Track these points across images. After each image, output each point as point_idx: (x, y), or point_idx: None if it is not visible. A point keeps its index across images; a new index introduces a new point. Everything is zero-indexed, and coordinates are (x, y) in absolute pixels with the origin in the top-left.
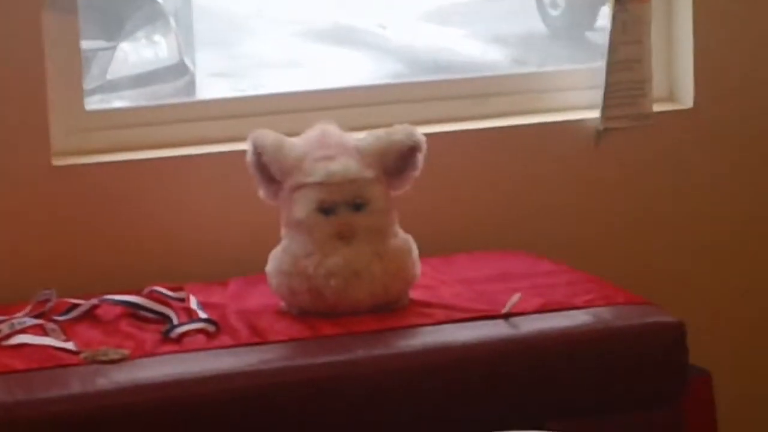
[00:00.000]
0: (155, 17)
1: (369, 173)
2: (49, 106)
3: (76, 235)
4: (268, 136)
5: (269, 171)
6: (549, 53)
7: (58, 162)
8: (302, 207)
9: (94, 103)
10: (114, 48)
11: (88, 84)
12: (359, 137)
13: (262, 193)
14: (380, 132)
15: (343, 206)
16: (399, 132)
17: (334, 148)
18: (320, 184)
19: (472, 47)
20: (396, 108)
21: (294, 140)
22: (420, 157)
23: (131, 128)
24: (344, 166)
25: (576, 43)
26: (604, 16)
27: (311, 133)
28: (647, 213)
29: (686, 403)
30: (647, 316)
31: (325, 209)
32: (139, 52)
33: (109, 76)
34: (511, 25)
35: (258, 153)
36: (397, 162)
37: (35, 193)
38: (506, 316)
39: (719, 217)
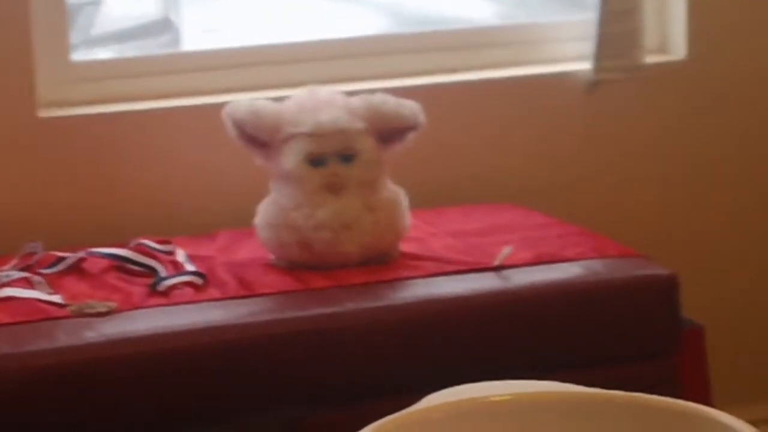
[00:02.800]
0: None
1: (359, 125)
2: (35, 58)
3: (62, 187)
4: (239, 107)
5: (257, 138)
6: (538, 10)
7: (43, 113)
8: (291, 158)
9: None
10: (99, 3)
11: (73, 39)
12: (364, 93)
13: (259, 161)
14: (389, 98)
15: (332, 158)
16: (407, 107)
17: (323, 101)
18: (309, 135)
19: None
20: (385, 60)
21: (269, 103)
22: (412, 137)
23: (117, 79)
24: (333, 116)
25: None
26: None
27: (300, 93)
28: (639, 165)
29: (679, 356)
30: (640, 268)
31: (314, 161)
32: (123, 7)
33: (93, 32)
34: None
35: (239, 126)
36: (390, 131)
37: (20, 144)
38: (497, 269)
39: (711, 169)
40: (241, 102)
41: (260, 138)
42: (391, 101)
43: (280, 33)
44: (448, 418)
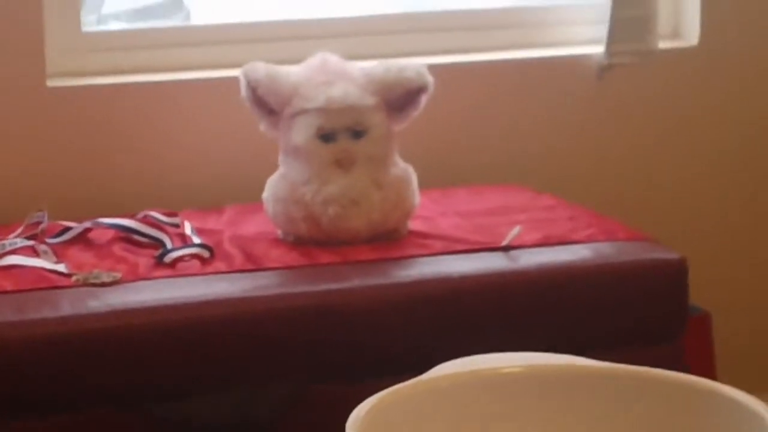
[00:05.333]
0: None
1: (370, 100)
2: (45, 27)
3: (70, 157)
4: (259, 68)
5: (267, 103)
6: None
7: (53, 83)
8: (301, 133)
9: None
10: None
11: (84, 17)
12: (369, 64)
13: (262, 126)
14: (391, 64)
15: (342, 133)
16: (410, 69)
17: (335, 74)
18: (319, 110)
19: None
20: (397, 38)
21: (288, 68)
22: (424, 99)
23: (128, 51)
24: (344, 91)
25: None
26: None
27: (312, 61)
28: (650, 150)
29: (685, 341)
30: (648, 252)
31: (324, 136)
32: None
33: (104, 11)
34: None
35: (252, 87)
36: (400, 98)
37: (29, 114)
38: (506, 249)
39: (723, 155)
40: (260, 64)
41: (270, 104)
42: (394, 67)
43: (294, 10)
44: (458, 387)
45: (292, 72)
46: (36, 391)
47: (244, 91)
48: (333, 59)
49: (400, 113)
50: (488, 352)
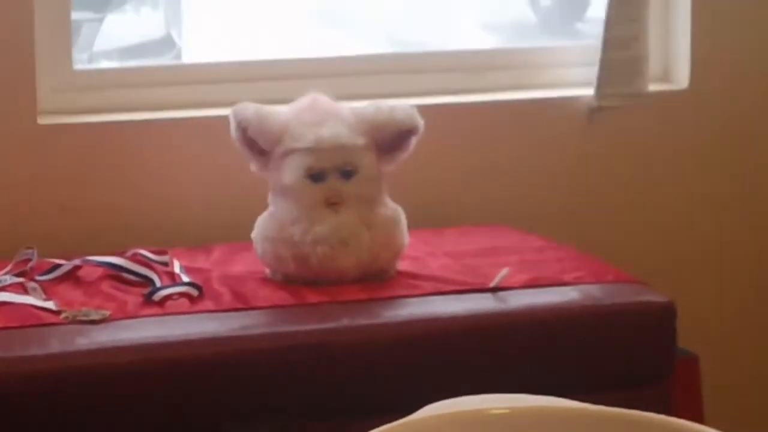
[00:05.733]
0: None
1: (360, 140)
2: (37, 64)
3: (61, 194)
4: (248, 108)
5: (256, 143)
6: (537, 43)
7: (44, 120)
8: (290, 173)
9: None
10: (101, 20)
11: (75, 54)
12: (359, 105)
13: (253, 167)
14: (382, 105)
15: (332, 173)
16: (401, 111)
17: (325, 114)
18: (309, 150)
19: (459, 33)
20: (388, 79)
21: (277, 108)
22: (414, 141)
23: (119, 89)
24: (334, 131)
25: (565, 33)
26: (596, 6)
27: (302, 101)
28: (639, 192)
29: (673, 384)
30: (637, 294)
31: (314, 175)
32: (126, 24)
33: (95, 48)
34: (498, 13)
35: (242, 128)
36: (390, 139)
37: (20, 150)
38: (494, 290)
39: (712, 197)
40: (249, 104)
41: (260, 144)
42: (385, 108)
43: (284, 49)
44: (446, 427)
45: (281, 112)
46: (24, 428)
47: (234, 131)
48: (323, 99)
49: (389, 154)
50: (476, 393)
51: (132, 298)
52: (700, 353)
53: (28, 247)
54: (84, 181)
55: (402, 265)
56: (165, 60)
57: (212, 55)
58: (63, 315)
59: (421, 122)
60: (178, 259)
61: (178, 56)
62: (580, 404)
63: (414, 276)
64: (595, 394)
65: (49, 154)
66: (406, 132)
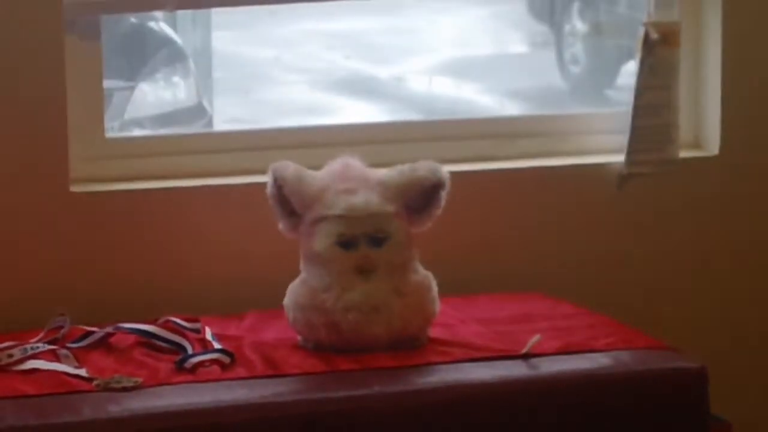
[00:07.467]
0: (175, 59)
1: (390, 207)
2: (69, 132)
3: (93, 262)
4: (288, 167)
5: (290, 203)
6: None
7: (76, 188)
8: (322, 240)
9: None
10: (133, 88)
11: (106, 123)
12: (383, 171)
13: (282, 226)
14: (404, 167)
15: (363, 240)
16: (423, 168)
17: (356, 181)
18: (340, 217)
19: (490, 101)
20: (418, 146)
21: (315, 173)
22: (443, 195)
23: (151, 157)
24: (365, 199)
25: (595, 100)
26: (625, 74)
27: (333, 166)
28: (670, 259)
29: None
30: (669, 361)
31: (345, 243)
32: (157, 92)
33: (127, 116)
34: (529, 80)
35: (279, 185)
36: (419, 198)
37: (53, 219)
38: (526, 357)
39: (743, 264)
40: (290, 163)
41: (293, 204)
42: (406, 169)
43: (314, 118)
44: None
45: (318, 177)
46: None
47: (269, 187)
48: (355, 164)
49: (421, 213)
50: None
51: (164, 365)
52: (734, 420)
53: (61, 314)
54: (116, 249)
55: (433, 332)
56: (196, 128)
57: (242, 123)
58: (95, 382)
59: (446, 175)
60: (210, 327)
61: (209, 124)
62: None
63: (445, 343)
64: None
65: (81, 221)
66: (431, 188)
